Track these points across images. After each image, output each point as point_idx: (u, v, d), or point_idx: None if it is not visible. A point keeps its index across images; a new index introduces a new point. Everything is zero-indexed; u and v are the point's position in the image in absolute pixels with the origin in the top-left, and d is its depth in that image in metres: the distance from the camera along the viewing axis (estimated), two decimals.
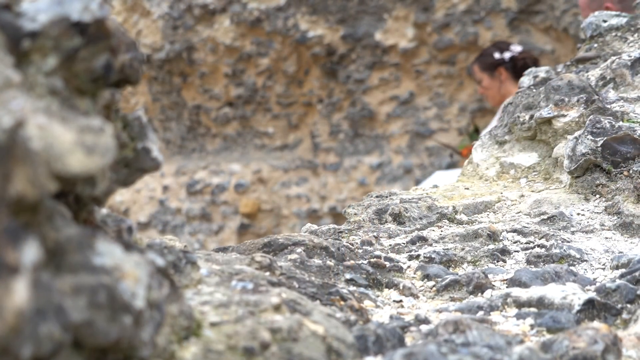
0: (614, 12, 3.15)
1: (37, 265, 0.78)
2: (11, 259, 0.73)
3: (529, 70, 3.07)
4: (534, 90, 2.75)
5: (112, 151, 0.88)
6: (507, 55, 5.69)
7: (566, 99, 2.52)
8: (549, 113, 2.52)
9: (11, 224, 0.74)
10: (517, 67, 5.56)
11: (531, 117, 2.60)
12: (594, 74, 2.81)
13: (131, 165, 1.15)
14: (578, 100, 2.50)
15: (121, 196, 8.37)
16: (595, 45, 3.06)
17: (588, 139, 2.30)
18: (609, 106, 2.52)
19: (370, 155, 7.88)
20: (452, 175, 5.45)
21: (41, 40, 0.96)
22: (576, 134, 2.38)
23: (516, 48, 5.76)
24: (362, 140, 7.94)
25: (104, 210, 1.24)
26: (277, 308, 1.25)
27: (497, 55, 5.71)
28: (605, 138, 2.28)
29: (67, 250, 0.89)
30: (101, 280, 0.89)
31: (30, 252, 0.76)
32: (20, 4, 0.99)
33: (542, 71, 3.02)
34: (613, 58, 2.80)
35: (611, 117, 2.39)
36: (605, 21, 3.10)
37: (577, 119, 2.48)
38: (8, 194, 0.74)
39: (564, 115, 2.50)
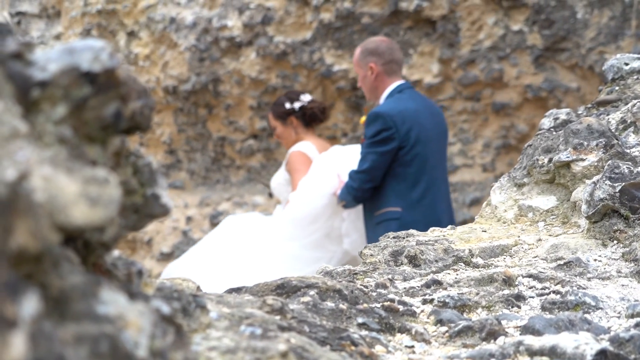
0: (636, 55, 3.14)
1: (37, 318, 0.78)
2: (9, 313, 0.73)
3: (550, 112, 3.06)
4: (554, 133, 2.74)
5: (116, 203, 0.89)
6: (296, 105, 6.13)
7: (585, 143, 2.51)
8: (568, 157, 2.51)
9: (11, 277, 0.75)
10: (306, 116, 6.14)
11: (550, 160, 2.58)
12: (614, 117, 2.80)
13: (140, 211, 1.15)
14: (597, 145, 2.49)
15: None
16: (617, 88, 3.05)
17: (606, 184, 2.28)
18: (628, 151, 2.50)
19: None
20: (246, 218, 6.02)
21: (51, 89, 0.97)
22: (594, 178, 2.36)
23: (305, 98, 6.19)
24: None
25: (116, 253, 1.25)
26: (284, 355, 1.25)
27: (287, 105, 6.14)
28: (624, 183, 2.26)
29: (71, 299, 0.90)
30: (104, 329, 0.89)
31: (30, 306, 0.77)
32: (33, 52, 1.00)
33: (562, 113, 3.01)
34: (634, 101, 2.79)
35: (630, 162, 2.37)
36: (627, 64, 3.09)
37: (595, 164, 2.47)
38: (8, 247, 0.75)
39: (582, 160, 2.49)
